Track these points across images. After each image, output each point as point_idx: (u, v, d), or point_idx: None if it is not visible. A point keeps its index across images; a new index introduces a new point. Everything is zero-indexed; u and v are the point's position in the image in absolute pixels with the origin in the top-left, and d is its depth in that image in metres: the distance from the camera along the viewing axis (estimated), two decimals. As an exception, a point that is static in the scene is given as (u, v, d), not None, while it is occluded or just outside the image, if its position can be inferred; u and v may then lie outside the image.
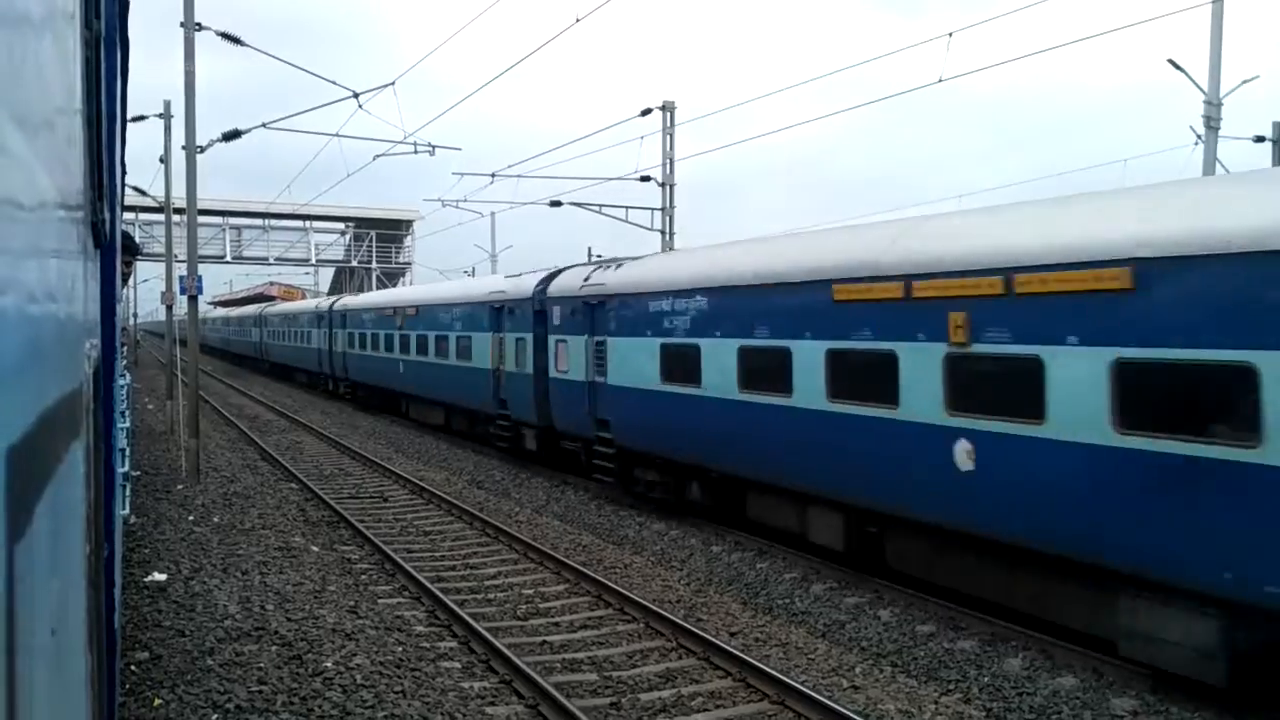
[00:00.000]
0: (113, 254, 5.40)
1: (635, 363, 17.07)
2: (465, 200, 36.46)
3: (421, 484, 20.24)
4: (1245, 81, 24.99)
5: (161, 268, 33.63)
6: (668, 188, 30.13)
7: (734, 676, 9.67)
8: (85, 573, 2.66)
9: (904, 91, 19.94)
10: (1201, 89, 22.36)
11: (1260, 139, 28.01)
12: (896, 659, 10.29)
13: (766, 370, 13.57)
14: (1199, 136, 22.60)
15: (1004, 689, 9.40)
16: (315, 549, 14.87)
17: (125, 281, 28.57)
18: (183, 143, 21.11)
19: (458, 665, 10.04)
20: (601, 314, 18.35)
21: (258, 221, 60.30)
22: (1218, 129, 22.27)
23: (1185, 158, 22.92)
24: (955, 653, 10.30)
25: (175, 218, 31.45)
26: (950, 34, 17.02)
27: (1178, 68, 23.32)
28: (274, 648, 10.26)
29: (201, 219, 32.53)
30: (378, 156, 28.16)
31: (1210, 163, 21.67)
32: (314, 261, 64.97)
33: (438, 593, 12.18)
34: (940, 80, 18.00)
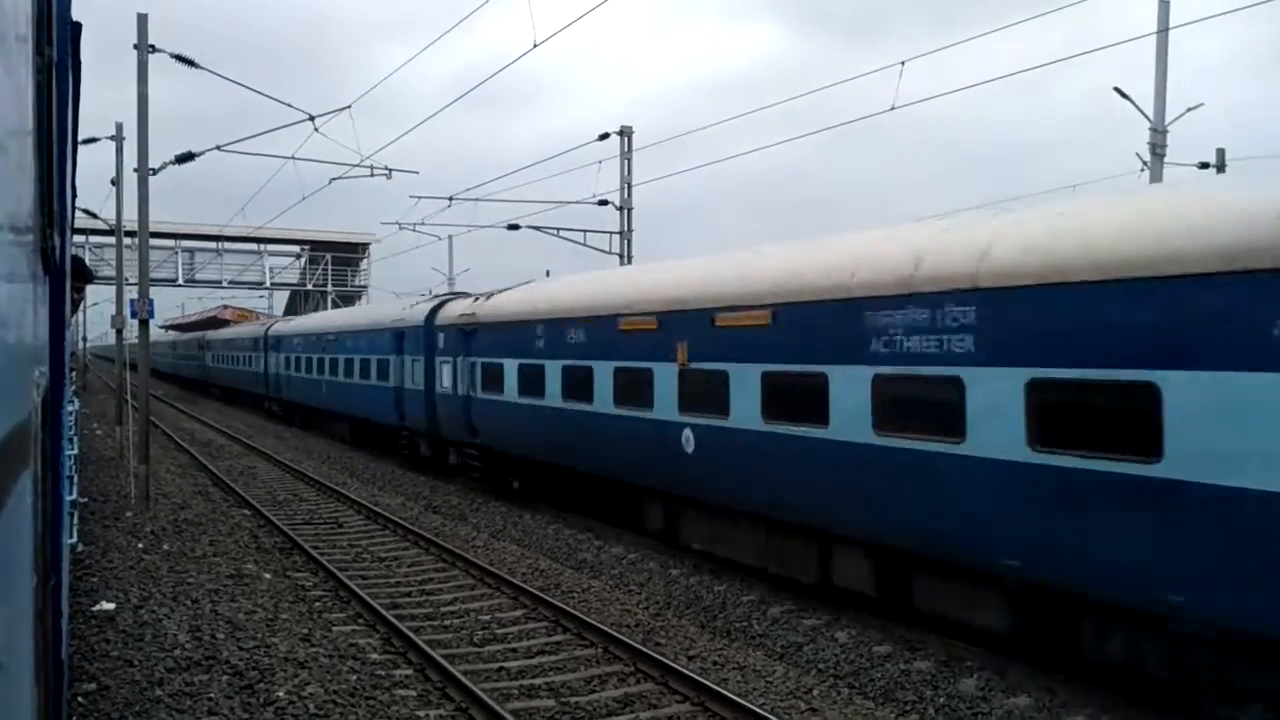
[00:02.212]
0: (62, 279, 5.33)
1: (499, 380, 20.38)
2: (423, 223, 36.48)
3: (377, 509, 20.06)
4: (1190, 109, 25.63)
5: (112, 290, 33.18)
6: (626, 211, 30.25)
7: (692, 700, 9.65)
8: (33, 604, 2.62)
9: (860, 118, 20.28)
10: (1148, 117, 22.90)
11: (1205, 165, 28.69)
12: (854, 680, 10.33)
13: (581, 384, 17.09)
14: (1145, 163, 23.12)
15: (959, 709, 9.46)
16: (268, 576, 14.67)
17: (77, 308, 28.15)
18: (135, 165, 20.89)
19: (413, 693, 9.93)
20: (474, 340, 21.87)
21: (211, 244, 59.70)
22: (1163, 156, 22.80)
23: (1133, 184, 23.37)
24: (911, 673, 10.36)
25: (126, 240, 31.08)
26: (903, 63, 17.29)
27: (1124, 96, 23.87)
28: (225, 677, 10.10)
29: (153, 242, 32.11)
30: (334, 179, 28.13)
31: (1156, 189, 22.14)
32: (268, 285, 64.39)
33: (393, 620, 12.05)
34: (893, 107, 18.26)
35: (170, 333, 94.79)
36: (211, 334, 61.88)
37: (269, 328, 44.83)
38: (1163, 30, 21.44)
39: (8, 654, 1.80)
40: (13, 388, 1.97)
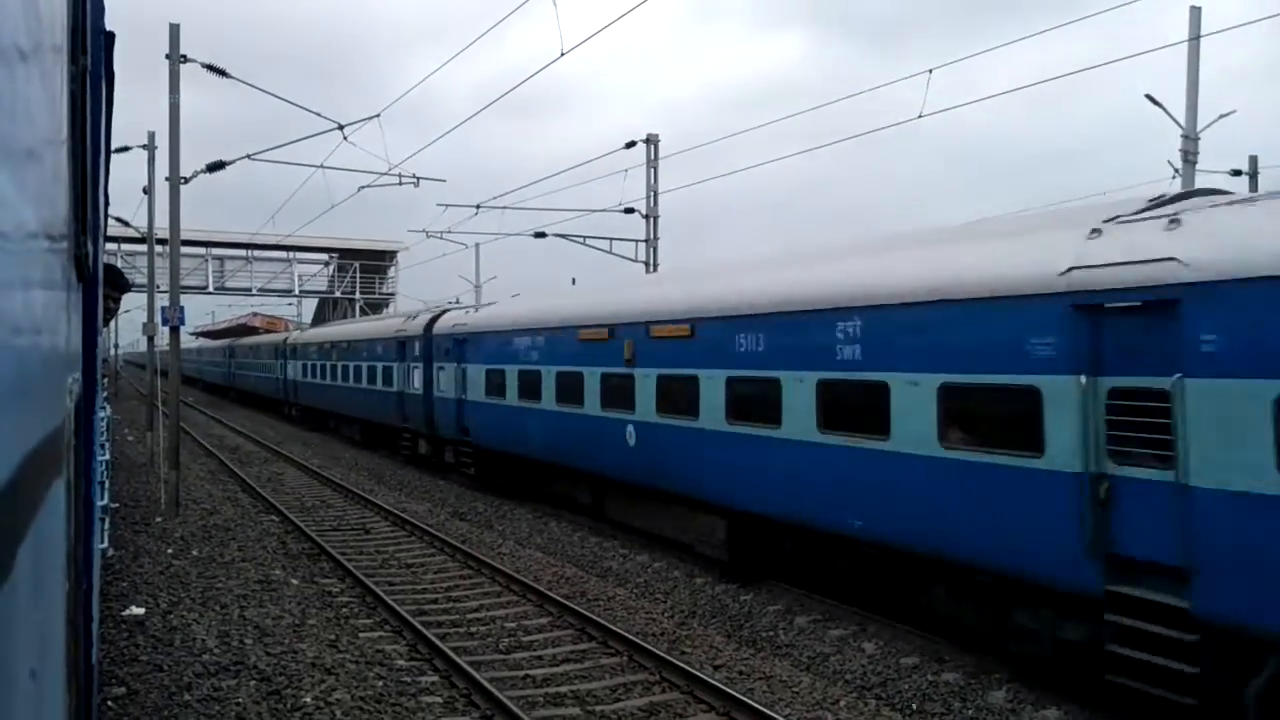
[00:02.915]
0: (95, 287, 5.38)
1: (491, 385, 22.30)
2: (450, 231, 36.53)
3: (404, 516, 20.12)
4: (1222, 116, 25.33)
5: (143, 298, 33.49)
6: (651, 219, 30.25)
7: (718, 710, 9.61)
8: (65, 610, 2.64)
9: (887, 126, 20.22)
10: (1179, 124, 22.67)
11: (1237, 172, 28.38)
12: (881, 692, 10.25)
13: (532, 386, 20.10)
14: (1177, 170, 22.88)
15: (988, 722, 9.35)
16: (295, 582, 14.74)
17: (113, 316, 28.32)
18: (166, 174, 21.10)
19: (439, 700, 9.95)
20: (467, 348, 23.98)
21: (241, 252, 60.18)
22: (1195, 163, 22.55)
23: (1165, 190, 23.16)
24: (939, 685, 10.28)
25: (158, 248, 31.39)
26: (930, 71, 17.20)
27: (1156, 103, 23.62)
28: (253, 683, 10.15)
29: (184, 250, 32.43)
30: (363, 188, 28.22)
31: (1188, 197, 21.89)
32: (297, 292, 64.83)
33: (419, 626, 12.08)
34: (921, 116, 18.17)
35: (207, 339, 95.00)
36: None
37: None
38: (1194, 38, 21.24)
39: (41, 661, 1.80)
40: (47, 396, 1.99)
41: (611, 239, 31.16)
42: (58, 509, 2.31)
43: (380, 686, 10.14)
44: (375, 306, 62.59)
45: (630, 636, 11.64)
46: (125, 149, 28.13)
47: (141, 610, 12.72)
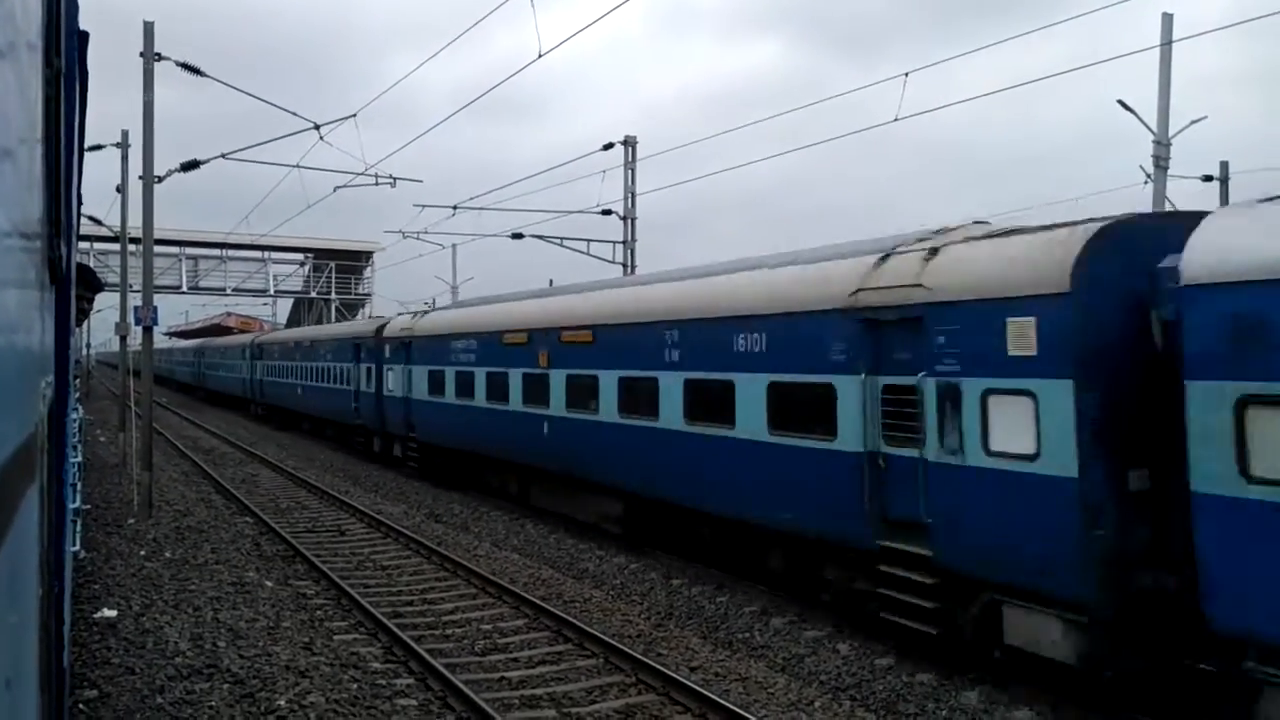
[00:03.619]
0: (68, 289, 5.35)
1: (434, 384, 24.57)
2: (426, 232, 36.46)
3: (379, 517, 20.05)
4: (1194, 122, 25.61)
5: (116, 297, 33.18)
6: (629, 221, 30.27)
7: (694, 712, 9.63)
8: (38, 615, 2.62)
9: (863, 129, 20.33)
10: (1151, 129, 22.89)
11: (1208, 178, 28.69)
12: (855, 693, 10.30)
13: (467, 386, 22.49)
14: (1148, 176, 23.11)
15: (962, 723, 9.41)
16: (269, 584, 14.66)
17: (86, 317, 28.03)
18: (140, 172, 20.94)
19: (414, 702, 9.92)
20: (411, 350, 26.44)
21: (215, 252, 59.79)
22: (1167, 168, 22.78)
23: (1136, 196, 23.40)
24: (914, 686, 10.34)
25: (131, 248, 31.13)
26: (906, 74, 17.31)
27: (1127, 109, 23.85)
28: (226, 686, 10.09)
29: (157, 249, 32.16)
30: (339, 188, 28.13)
31: (1160, 201, 22.15)
32: (272, 292, 64.48)
33: (394, 628, 12.04)
34: (896, 119, 18.28)
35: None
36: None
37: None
38: (1166, 43, 21.46)
39: (15, 671, 1.80)
40: (21, 402, 1.98)
41: (589, 240, 31.17)
42: (31, 515, 2.30)
43: (355, 689, 10.11)
44: (351, 307, 62.32)
45: (606, 638, 11.65)
46: (98, 147, 27.89)
47: (114, 613, 12.62)
